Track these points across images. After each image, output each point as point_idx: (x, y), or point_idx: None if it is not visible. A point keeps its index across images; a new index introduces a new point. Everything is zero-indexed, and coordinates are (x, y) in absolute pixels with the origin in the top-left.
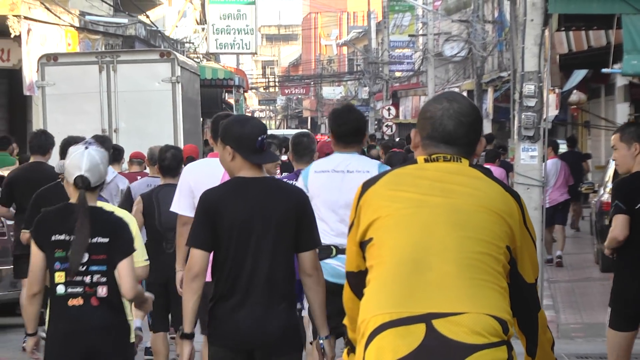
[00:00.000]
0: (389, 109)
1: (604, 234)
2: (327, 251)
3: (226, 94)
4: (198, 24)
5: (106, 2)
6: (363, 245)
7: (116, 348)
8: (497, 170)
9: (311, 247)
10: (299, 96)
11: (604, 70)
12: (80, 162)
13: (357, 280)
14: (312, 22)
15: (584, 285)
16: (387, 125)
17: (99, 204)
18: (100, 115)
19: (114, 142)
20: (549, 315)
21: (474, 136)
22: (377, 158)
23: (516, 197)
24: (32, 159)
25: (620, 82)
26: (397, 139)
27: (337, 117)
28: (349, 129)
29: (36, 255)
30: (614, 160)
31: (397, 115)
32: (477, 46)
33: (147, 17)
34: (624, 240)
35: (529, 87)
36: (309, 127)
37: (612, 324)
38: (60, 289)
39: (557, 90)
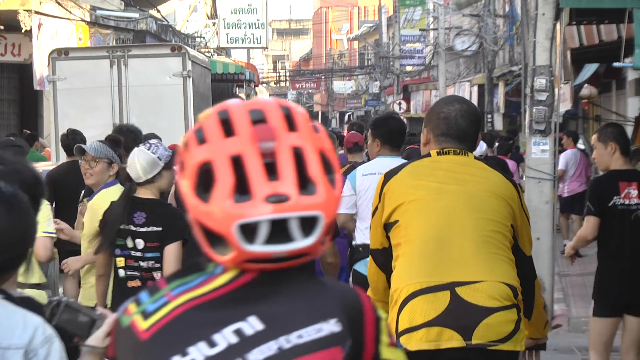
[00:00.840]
0: (399, 103)
1: None
2: (368, 249)
3: (237, 88)
4: (209, 18)
5: None
6: (388, 226)
7: None
8: (509, 163)
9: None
10: (310, 90)
11: (615, 64)
12: (130, 159)
13: (381, 256)
14: (323, 17)
15: None
16: None
17: None
18: (112, 109)
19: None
20: (561, 309)
21: (477, 133)
22: None
23: (514, 183)
24: (68, 158)
25: (632, 76)
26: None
27: (386, 123)
28: (399, 134)
29: None
30: (594, 158)
31: (408, 110)
32: (488, 40)
33: (158, 11)
34: (591, 241)
35: (540, 81)
36: (319, 122)
37: (595, 312)
38: (121, 272)
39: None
